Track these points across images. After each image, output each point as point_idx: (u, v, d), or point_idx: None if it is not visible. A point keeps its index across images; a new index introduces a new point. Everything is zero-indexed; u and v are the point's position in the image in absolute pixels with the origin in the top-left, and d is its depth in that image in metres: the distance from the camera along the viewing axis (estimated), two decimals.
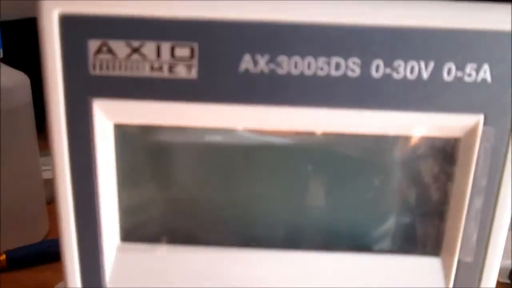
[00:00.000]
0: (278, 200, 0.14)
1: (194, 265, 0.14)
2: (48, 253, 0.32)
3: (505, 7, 0.12)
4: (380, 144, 0.14)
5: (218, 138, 0.14)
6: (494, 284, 0.14)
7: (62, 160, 0.13)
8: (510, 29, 0.12)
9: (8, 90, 0.29)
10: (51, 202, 0.39)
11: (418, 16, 0.12)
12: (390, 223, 0.14)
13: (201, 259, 0.14)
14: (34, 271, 0.30)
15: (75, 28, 0.12)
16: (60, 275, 0.31)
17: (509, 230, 0.37)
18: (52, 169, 0.13)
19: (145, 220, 0.15)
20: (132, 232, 0.15)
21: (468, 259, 0.14)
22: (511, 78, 0.12)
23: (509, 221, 0.14)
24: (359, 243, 0.15)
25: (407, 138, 0.13)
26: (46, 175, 0.42)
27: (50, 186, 0.42)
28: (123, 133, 0.14)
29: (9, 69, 0.31)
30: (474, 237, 0.14)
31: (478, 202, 0.13)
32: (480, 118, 0.13)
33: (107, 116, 0.13)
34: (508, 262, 0.32)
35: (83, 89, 0.13)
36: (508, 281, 0.30)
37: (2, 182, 0.30)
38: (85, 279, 0.14)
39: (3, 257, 0.30)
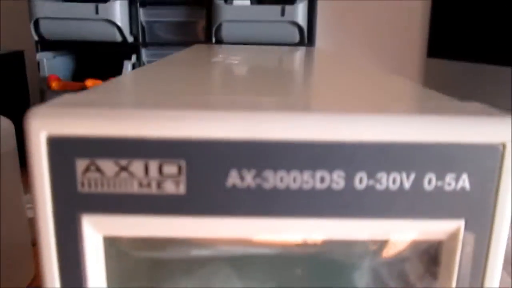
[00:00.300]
0: None
1: None
2: None
3: (479, 121, 0.13)
4: (366, 248, 0.14)
5: (207, 251, 0.14)
6: None
7: (52, 273, 0.13)
8: (485, 141, 0.13)
9: None
10: (36, 243, 0.39)
11: (399, 131, 0.13)
12: None
13: None
14: None
15: (63, 149, 0.12)
16: None
17: None
18: (42, 282, 0.13)
19: None
20: None
21: None
22: (488, 186, 0.13)
23: None
24: None
25: (392, 242, 0.14)
26: (31, 213, 0.42)
27: (34, 226, 0.41)
28: (113, 245, 0.14)
29: None
30: None
31: None
32: (461, 223, 0.13)
33: (96, 230, 0.13)
34: None
35: (72, 206, 0.13)
36: None
37: None
38: None
39: None
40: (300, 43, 0.72)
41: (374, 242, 0.14)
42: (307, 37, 0.73)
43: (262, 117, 0.13)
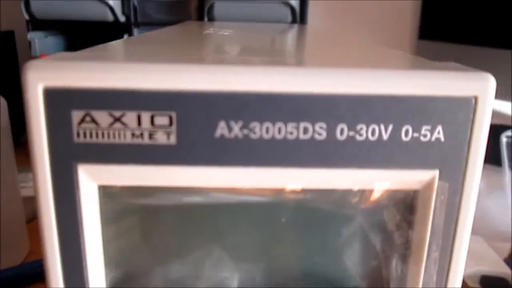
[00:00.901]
0: (254, 252, 0.15)
1: None
2: (30, 276, 0.32)
3: (453, 75, 0.13)
4: (346, 196, 0.15)
5: (196, 198, 0.14)
6: None
7: (50, 220, 0.14)
8: (458, 94, 0.13)
9: None
10: (31, 220, 0.40)
11: (378, 85, 0.13)
12: (358, 268, 0.16)
13: None
14: None
15: (59, 100, 0.13)
16: None
17: (476, 235, 0.39)
18: (40, 230, 0.14)
19: (131, 273, 0.15)
20: (118, 283, 0.15)
21: None
22: (461, 137, 0.14)
23: (464, 264, 0.15)
24: (330, 286, 0.16)
25: (370, 191, 0.15)
26: (25, 192, 0.42)
27: (29, 204, 0.42)
28: (107, 193, 0.14)
29: None
30: (433, 279, 0.15)
31: (436, 247, 0.15)
32: (436, 173, 0.14)
33: (91, 179, 0.14)
34: (479, 268, 0.34)
35: (68, 155, 0.14)
36: (479, 286, 0.32)
37: None
38: None
39: None
40: (293, 23, 0.72)
41: (354, 191, 0.15)
42: (299, 17, 0.73)
43: (249, 70, 0.13)
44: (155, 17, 0.82)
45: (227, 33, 0.28)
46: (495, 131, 0.54)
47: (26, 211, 0.36)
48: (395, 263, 0.15)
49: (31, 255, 0.35)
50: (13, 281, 0.31)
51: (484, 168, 0.53)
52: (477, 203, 0.47)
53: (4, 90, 0.34)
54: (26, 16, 0.80)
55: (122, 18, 0.81)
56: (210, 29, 0.32)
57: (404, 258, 0.15)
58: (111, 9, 0.78)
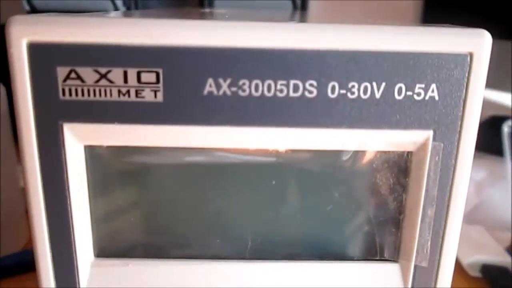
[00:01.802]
0: (244, 214, 0.15)
1: (166, 278, 0.15)
2: (29, 263, 0.32)
3: (447, 32, 0.13)
4: (338, 158, 0.14)
5: (183, 158, 0.14)
6: (449, 284, 0.15)
7: (35, 182, 0.14)
8: (453, 51, 0.13)
9: None
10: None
11: (370, 40, 0.13)
12: (351, 233, 0.15)
13: (173, 272, 0.15)
14: (15, 281, 0.30)
15: (44, 56, 0.13)
16: None
17: (478, 224, 0.38)
18: (26, 192, 0.14)
19: (119, 236, 0.15)
20: (106, 248, 0.15)
21: (424, 264, 0.15)
22: (456, 96, 0.13)
23: (459, 228, 0.15)
24: (322, 252, 0.15)
25: (363, 153, 0.14)
26: (23, 182, 0.42)
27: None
28: (93, 154, 0.14)
29: None
30: (428, 244, 0.15)
31: (431, 211, 0.14)
32: (430, 133, 0.14)
33: (77, 139, 0.14)
34: (480, 257, 0.33)
35: (54, 114, 0.13)
36: (480, 275, 0.32)
37: None
38: None
39: None
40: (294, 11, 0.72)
41: (346, 152, 0.14)
42: (300, 7, 0.73)
43: (238, 26, 0.13)
44: (156, 8, 0.81)
45: (224, 12, 0.28)
46: (497, 121, 0.53)
47: (25, 201, 0.36)
48: (388, 227, 0.15)
49: (30, 243, 0.35)
50: (13, 268, 0.31)
51: (485, 158, 0.53)
52: (479, 193, 0.47)
53: (5, 81, 0.34)
54: (27, 8, 0.80)
55: (122, 9, 0.81)
56: (207, 10, 0.32)
57: (398, 223, 0.15)
58: (112, 1, 0.78)
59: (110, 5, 0.82)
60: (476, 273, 0.32)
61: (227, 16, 0.17)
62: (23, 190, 0.35)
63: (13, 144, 0.34)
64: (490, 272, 0.32)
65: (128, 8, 0.83)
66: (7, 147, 0.33)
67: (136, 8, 0.83)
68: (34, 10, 0.83)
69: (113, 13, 0.19)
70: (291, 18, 0.24)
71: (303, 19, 0.23)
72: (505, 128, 0.53)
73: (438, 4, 0.84)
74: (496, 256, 0.33)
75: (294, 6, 0.73)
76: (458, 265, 0.33)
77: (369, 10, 0.96)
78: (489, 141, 0.56)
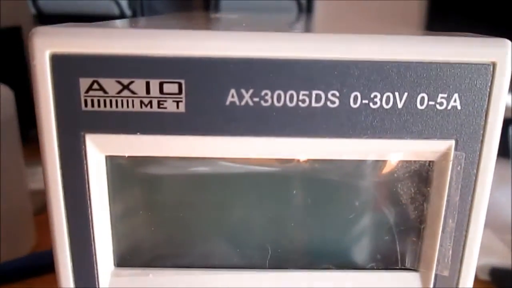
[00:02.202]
0: (265, 224, 0.15)
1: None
2: (37, 266, 0.32)
3: (469, 41, 0.13)
4: (359, 168, 0.14)
5: (205, 168, 0.14)
6: None
7: (57, 192, 0.14)
8: (475, 61, 0.13)
9: None
10: (39, 213, 0.40)
11: (392, 50, 0.13)
12: (371, 242, 0.15)
13: (194, 281, 0.15)
14: (23, 285, 0.30)
15: (67, 67, 0.13)
16: (50, 286, 0.31)
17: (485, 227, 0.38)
18: (47, 201, 0.14)
19: (138, 246, 0.15)
20: (126, 258, 0.15)
21: (445, 273, 0.15)
22: (479, 106, 0.13)
23: (480, 238, 0.14)
24: (343, 261, 0.15)
25: (385, 162, 0.14)
26: (33, 185, 0.42)
27: (37, 197, 0.42)
28: (115, 164, 0.14)
29: None
30: (449, 253, 0.15)
31: (452, 221, 0.14)
32: (452, 143, 0.14)
33: (99, 149, 0.14)
34: (488, 259, 0.33)
35: (76, 124, 0.13)
36: (488, 278, 0.32)
37: None
38: None
39: None
40: (300, 14, 0.72)
41: (368, 162, 0.14)
42: (306, 10, 0.73)
43: (260, 36, 0.13)
44: (161, 11, 0.82)
45: (234, 16, 0.28)
46: (503, 124, 0.53)
47: (34, 204, 0.36)
48: (409, 237, 0.15)
49: (38, 247, 0.35)
50: (21, 271, 0.31)
51: None
52: None
53: (12, 86, 0.34)
54: (33, 11, 0.80)
55: (128, 13, 0.81)
56: (217, 15, 0.32)
57: (419, 232, 0.15)
58: (118, 3, 0.78)
59: (115, 8, 0.82)
60: (485, 276, 0.32)
61: (244, 25, 0.17)
62: (30, 193, 0.35)
63: (21, 147, 0.34)
64: (499, 275, 0.32)
65: (134, 11, 0.84)
66: (15, 151, 0.33)
67: (142, 10, 0.83)
68: (40, 13, 0.83)
69: (135, 21, 0.19)
70: (302, 23, 0.24)
71: (311, 23, 0.23)
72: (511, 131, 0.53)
73: (442, 7, 0.83)
74: (504, 259, 0.34)
75: (300, 8, 0.73)
76: None
77: (374, 11, 0.95)
78: None
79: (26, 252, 0.34)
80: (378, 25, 0.21)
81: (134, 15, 0.82)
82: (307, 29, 0.18)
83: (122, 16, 0.82)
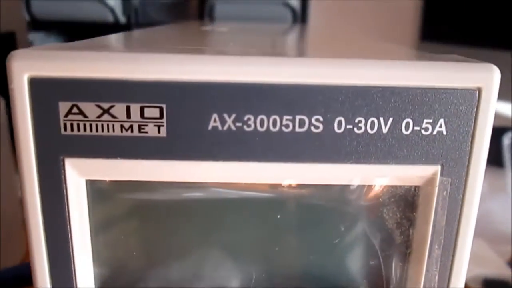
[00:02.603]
0: (250, 248, 0.15)
1: None
2: (27, 277, 0.31)
3: (455, 67, 0.13)
4: (345, 193, 0.14)
5: (188, 193, 0.14)
6: None
7: (36, 216, 0.13)
8: (461, 86, 0.13)
9: None
10: None
11: (377, 75, 0.13)
12: (357, 266, 0.15)
13: None
14: None
15: (46, 91, 0.13)
16: None
17: (478, 237, 0.38)
18: (26, 225, 0.14)
19: (120, 269, 0.15)
20: (107, 282, 0.15)
21: None
22: (464, 131, 0.13)
23: (467, 263, 0.14)
24: (329, 285, 0.15)
25: (370, 187, 0.14)
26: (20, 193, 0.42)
27: None
28: (95, 188, 0.14)
29: None
30: (435, 279, 0.14)
31: (438, 247, 0.14)
32: (438, 168, 0.14)
33: (79, 173, 0.13)
34: (481, 270, 0.33)
35: (55, 148, 0.13)
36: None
37: None
38: None
39: None
40: (294, 23, 0.72)
41: (353, 187, 0.14)
42: (300, 18, 0.73)
43: (243, 61, 0.13)
44: (156, 18, 0.81)
45: (224, 29, 0.28)
46: (498, 132, 0.53)
47: (23, 212, 0.36)
48: (395, 262, 0.15)
49: (28, 256, 0.35)
50: (12, 281, 0.31)
51: (486, 170, 0.53)
52: (479, 206, 0.47)
53: (4, 92, 0.34)
54: (27, 17, 0.80)
55: (122, 19, 0.81)
56: (208, 26, 0.32)
57: (405, 257, 0.15)
58: (112, 10, 0.78)
59: (109, 15, 0.82)
60: (477, 287, 0.32)
61: (231, 44, 0.17)
62: (20, 201, 0.35)
63: (12, 155, 0.34)
64: (491, 286, 0.32)
65: (128, 17, 0.83)
66: (6, 159, 0.33)
67: (136, 17, 0.83)
68: (33, 19, 0.83)
69: (116, 37, 0.18)
70: (291, 39, 0.23)
71: (300, 40, 0.23)
72: (506, 140, 0.53)
73: (436, 16, 0.83)
74: (497, 270, 0.34)
75: (294, 18, 0.73)
76: None
77: (368, 20, 0.96)
78: (489, 152, 0.56)
79: (16, 260, 0.33)
80: (368, 43, 0.21)
81: (129, 21, 0.82)
82: (294, 48, 0.17)
83: (116, 22, 0.81)
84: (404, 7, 0.94)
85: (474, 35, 0.76)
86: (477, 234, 0.44)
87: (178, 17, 0.81)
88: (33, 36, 0.82)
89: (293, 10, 0.72)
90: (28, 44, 0.84)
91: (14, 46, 0.84)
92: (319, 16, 0.94)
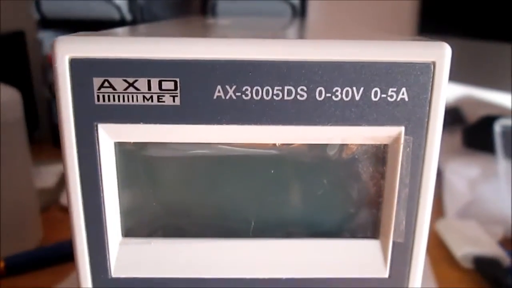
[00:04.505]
0: (248, 199, 0.18)
1: (183, 254, 0.18)
2: (44, 259, 0.34)
3: (414, 44, 0.16)
4: (326, 151, 0.17)
5: (197, 151, 0.17)
6: (423, 259, 0.18)
7: (74, 173, 0.17)
8: (419, 60, 0.16)
9: None
10: (45, 210, 0.42)
11: (350, 53, 0.16)
12: (338, 214, 0.18)
13: (188, 248, 0.18)
14: (31, 276, 0.32)
15: (82, 69, 0.16)
16: (55, 278, 0.33)
17: (471, 219, 0.40)
18: (66, 181, 0.17)
19: (143, 219, 0.18)
20: (132, 229, 0.18)
21: (400, 240, 0.17)
22: (423, 98, 0.16)
23: (430, 209, 0.17)
24: (315, 231, 0.18)
25: (347, 146, 0.17)
26: (40, 183, 0.44)
27: (43, 195, 0.44)
28: (122, 149, 0.17)
29: (0, 85, 0.33)
30: (403, 222, 0.17)
31: (404, 194, 0.17)
32: (402, 129, 0.16)
33: (109, 136, 0.16)
34: (471, 249, 0.35)
35: (90, 116, 0.16)
36: (472, 267, 0.34)
37: None
38: (94, 271, 0.18)
39: (2, 264, 0.32)
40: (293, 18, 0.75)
41: (333, 145, 0.17)
42: (300, 13, 0.76)
43: (241, 42, 0.16)
44: (161, 15, 0.84)
45: (227, 22, 0.31)
46: (490, 120, 0.55)
47: (40, 201, 0.38)
48: (370, 209, 0.18)
49: (44, 241, 0.37)
50: (31, 263, 0.33)
51: (479, 156, 0.55)
52: (472, 190, 0.49)
53: (16, 89, 0.35)
54: (37, 16, 0.83)
55: (128, 17, 0.84)
56: (212, 20, 0.35)
57: (378, 205, 0.18)
58: (118, 8, 0.81)
59: (116, 13, 0.85)
60: (468, 265, 0.34)
61: (231, 31, 0.20)
62: (39, 191, 0.37)
63: (28, 147, 0.36)
64: (482, 263, 0.34)
65: (134, 16, 0.86)
66: (23, 151, 0.35)
67: (142, 14, 0.86)
68: (43, 18, 0.86)
69: (138, 28, 0.22)
70: (289, 28, 0.26)
71: (292, 29, 0.26)
72: (497, 127, 0.55)
73: (434, 9, 0.84)
74: (489, 249, 0.35)
75: (294, 12, 0.75)
76: (451, 258, 0.35)
77: (366, 14, 0.98)
78: (482, 139, 0.58)
79: (33, 247, 0.35)
80: (350, 28, 0.24)
81: (134, 19, 0.85)
82: (284, 33, 0.20)
83: (122, 20, 0.84)
84: (402, 1, 0.96)
85: (473, 27, 0.77)
86: (470, 216, 0.46)
87: (181, 15, 0.84)
88: (42, 34, 0.85)
89: (292, 6, 0.75)
90: (38, 43, 0.87)
91: (23, 45, 0.87)
92: (318, 11, 0.96)
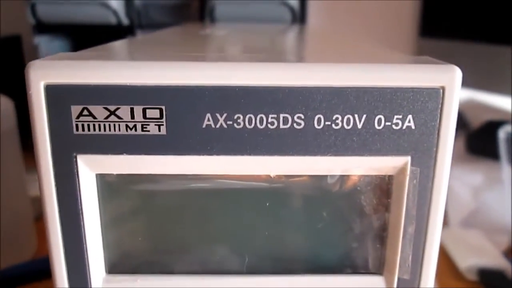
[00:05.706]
0: (241, 233, 0.17)
1: None
2: (38, 271, 0.33)
3: (422, 68, 0.15)
4: (326, 182, 0.16)
5: (185, 184, 0.16)
6: None
7: (52, 207, 0.15)
8: (427, 85, 0.15)
9: None
10: (40, 219, 0.41)
11: (351, 77, 0.14)
12: (340, 249, 0.17)
13: (176, 286, 0.16)
14: None
15: (59, 96, 0.14)
16: None
17: (475, 228, 0.39)
18: (44, 216, 0.15)
19: (128, 254, 0.17)
20: (117, 265, 0.17)
21: (406, 276, 0.16)
22: (431, 125, 0.15)
23: (438, 244, 0.16)
24: (314, 266, 0.17)
25: (348, 177, 0.16)
26: (34, 192, 0.43)
27: (37, 203, 0.43)
28: (104, 181, 0.16)
29: None
30: (409, 258, 0.16)
31: (411, 229, 0.16)
32: (408, 159, 0.15)
33: (89, 168, 0.15)
34: (476, 261, 0.34)
35: (68, 147, 0.15)
36: (477, 279, 0.33)
37: None
38: None
39: None
40: (293, 22, 0.74)
41: (333, 176, 0.16)
42: (299, 17, 0.74)
43: (232, 66, 0.14)
44: (158, 19, 0.83)
45: (222, 33, 0.29)
46: (494, 126, 0.54)
47: (35, 210, 0.37)
48: (374, 244, 0.16)
49: (39, 252, 0.36)
50: (23, 277, 0.32)
51: (482, 162, 0.54)
52: (476, 198, 0.48)
53: (12, 94, 0.35)
54: (33, 21, 0.82)
55: (125, 21, 0.82)
56: (207, 30, 0.34)
57: (382, 239, 0.16)
58: (115, 12, 0.80)
59: (113, 17, 0.84)
60: (473, 277, 0.33)
61: (224, 50, 0.18)
62: (31, 200, 0.37)
63: (21, 156, 0.35)
64: (486, 276, 0.33)
65: (131, 20, 0.85)
66: (16, 159, 0.34)
67: (139, 19, 0.84)
68: (39, 22, 0.85)
69: (120, 44, 0.20)
70: (286, 44, 0.25)
71: (291, 43, 0.25)
72: (501, 133, 0.54)
73: (435, 12, 0.84)
74: (493, 260, 0.34)
75: (294, 18, 0.74)
76: (455, 269, 0.34)
77: (367, 20, 0.97)
78: (486, 145, 0.57)
79: (28, 257, 0.35)
80: (352, 45, 0.23)
81: (131, 23, 0.83)
82: (280, 53, 0.19)
83: (119, 24, 0.83)
84: (402, 4, 0.95)
85: (474, 30, 0.76)
86: (474, 225, 0.44)
87: (179, 19, 0.83)
88: (38, 39, 0.84)
89: (292, 10, 0.74)
90: (34, 47, 0.85)
91: (20, 49, 0.86)
92: (318, 15, 0.95)
